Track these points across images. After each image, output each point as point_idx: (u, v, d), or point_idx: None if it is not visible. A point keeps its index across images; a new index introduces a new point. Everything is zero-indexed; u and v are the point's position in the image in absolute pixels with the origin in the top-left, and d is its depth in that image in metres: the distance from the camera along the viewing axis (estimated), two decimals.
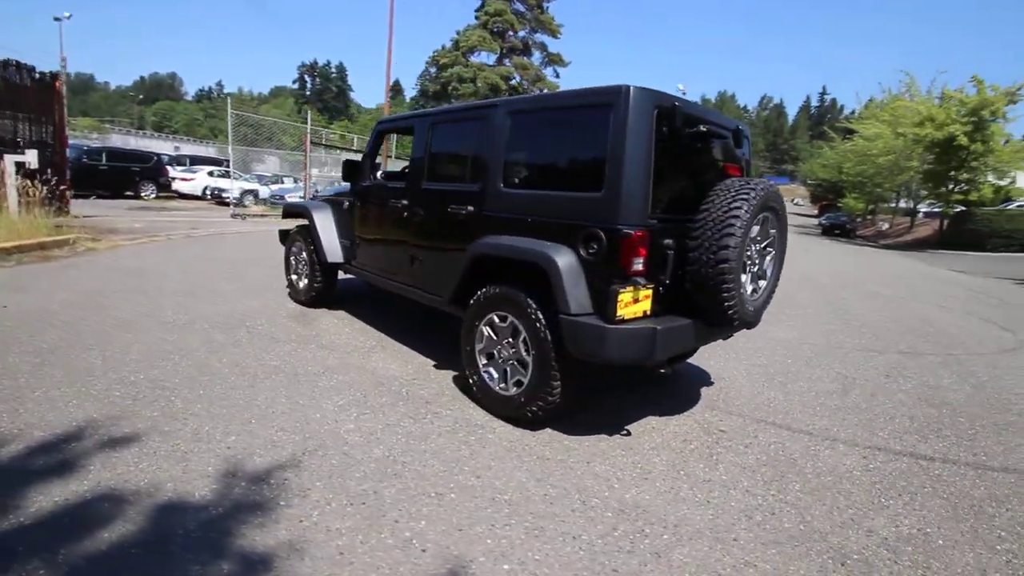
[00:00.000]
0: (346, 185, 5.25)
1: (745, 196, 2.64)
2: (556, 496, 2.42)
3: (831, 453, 3.05)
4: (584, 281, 2.68)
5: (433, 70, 22.95)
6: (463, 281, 3.28)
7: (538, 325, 2.83)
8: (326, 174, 17.45)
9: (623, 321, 2.58)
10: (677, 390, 3.84)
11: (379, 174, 4.59)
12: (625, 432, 3.10)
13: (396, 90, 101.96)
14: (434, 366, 3.92)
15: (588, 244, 2.70)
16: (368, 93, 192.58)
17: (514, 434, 2.97)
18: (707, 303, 2.75)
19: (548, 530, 2.18)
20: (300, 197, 16.48)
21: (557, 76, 21.41)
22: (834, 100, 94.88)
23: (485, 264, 3.17)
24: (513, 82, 20.65)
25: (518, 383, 3.02)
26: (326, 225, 4.94)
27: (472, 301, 3.24)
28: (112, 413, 2.82)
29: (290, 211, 5.64)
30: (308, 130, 15.35)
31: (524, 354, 2.96)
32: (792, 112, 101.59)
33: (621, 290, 2.55)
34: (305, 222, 5.24)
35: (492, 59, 20.92)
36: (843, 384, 4.23)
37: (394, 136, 9.47)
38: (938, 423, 3.57)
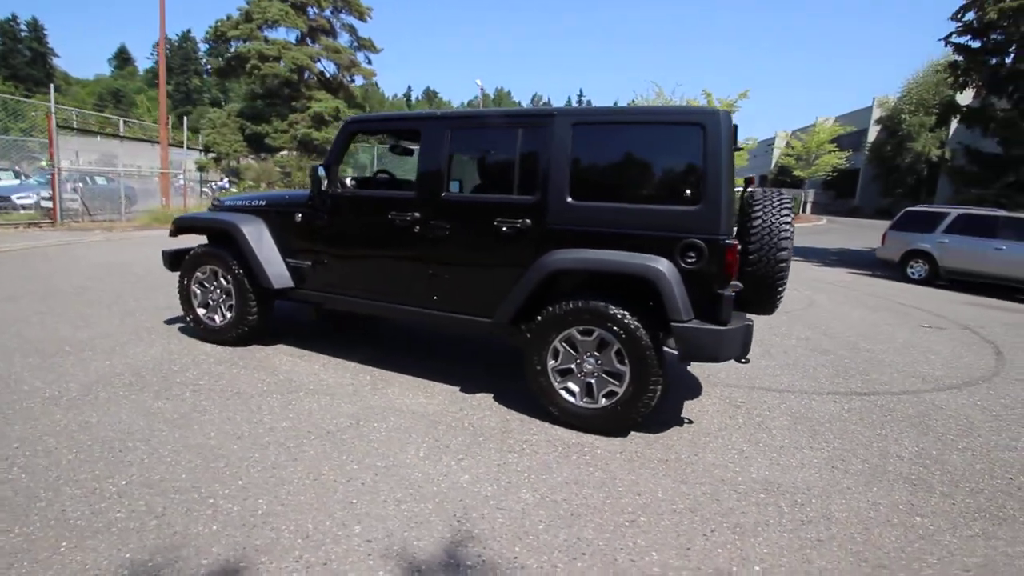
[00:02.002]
0: (272, 194, 4.34)
1: (787, 203, 3.15)
2: (711, 492, 2.58)
3: (821, 403, 3.87)
4: (684, 289, 2.86)
5: (205, 45, 19.08)
6: (529, 298, 3.11)
7: (639, 335, 2.90)
8: (83, 167, 13.32)
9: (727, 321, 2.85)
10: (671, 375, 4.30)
11: (348, 181, 3.89)
12: (688, 421, 3.41)
13: (124, 59, 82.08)
14: (460, 390, 3.60)
15: (686, 254, 2.87)
16: (81, 61, 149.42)
17: (612, 444, 2.99)
18: (764, 297, 3.20)
19: (747, 525, 2.33)
20: (40, 196, 12.40)
21: (369, 63, 20.18)
22: (590, 102, 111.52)
23: (557, 279, 3.07)
24: (321, 66, 18.65)
25: (609, 395, 3.04)
26: (264, 243, 3.99)
27: (541, 319, 3.11)
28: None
29: (192, 226, 4.36)
30: (52, 109, 11.47)
31: (617, 365, 2.99)
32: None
33: (728, 295, 2.81)
34: (210, 241, 4.16)
35: (293, 37, 18.53)
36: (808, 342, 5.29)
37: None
38: (848, 368, 4.80)
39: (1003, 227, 10.81)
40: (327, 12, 17.53)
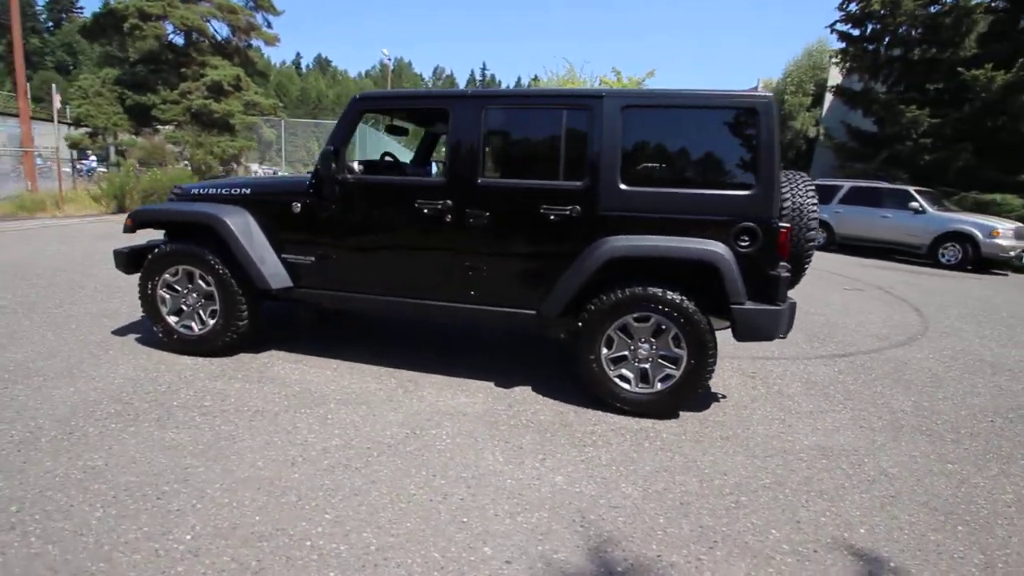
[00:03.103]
0: (257, 180, 3.80)
1: (811, 186, 3.32)
2: (783, 463, 2.71)
3: (815, 366, 4.21)
4: (740, 272, 2.93)
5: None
6: (582, 288, 3.02)
7: (698, 319, 2.94)
8: None
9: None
10: None
11: (356, 165, 3.46)
12: (722, 396, 3.55)
13: None
14: (496, 385, 3.45)
15: (739, 238, 2.93)
16: None
17: (671, 427, 3.04)
18: (793, 274, 3.37)
19: (830, 491, 2.47)
20: None
21: (270, 26, 18.10)
22: (493, 76, 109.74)
23: (612, 267, 3.00)
24: (214, 28, 16.35)
25: (665, 379, 3.07)
26: (254, 238, 3.48)
27: (594, 308, 3.04)
28: None
29: (157, 219, 3.68)
30: None
31: (675, 349, 3.02)
32: (461, 82, 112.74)
33: (785, 276, 2.92)
34: (173, 237, 3.60)
35: None
36: None
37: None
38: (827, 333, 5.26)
39: (887, 198, 12.41)
40: None
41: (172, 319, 3.66)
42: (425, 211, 3.21)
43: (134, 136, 16.46)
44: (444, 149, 3.22)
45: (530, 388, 3.45)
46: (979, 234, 11.00)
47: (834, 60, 17.76)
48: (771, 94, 2.90)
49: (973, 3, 13.86)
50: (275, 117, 17.53)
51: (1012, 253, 11.02)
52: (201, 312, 3.63)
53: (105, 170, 17.93)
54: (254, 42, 17.57)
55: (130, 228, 3.69)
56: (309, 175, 3.61)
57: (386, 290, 3.41)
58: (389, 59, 32.55)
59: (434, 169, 4.62)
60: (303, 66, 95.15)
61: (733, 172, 2.95)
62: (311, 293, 3.56)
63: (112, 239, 8.83)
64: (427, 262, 3.33)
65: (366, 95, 3.35)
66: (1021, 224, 11.52)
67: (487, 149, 3.16)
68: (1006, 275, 11.03)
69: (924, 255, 11.48)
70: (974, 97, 13.83)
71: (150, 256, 3.61)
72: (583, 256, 3.03)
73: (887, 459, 2.85)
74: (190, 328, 3.65)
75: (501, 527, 2.09)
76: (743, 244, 2.94)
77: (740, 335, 2.97)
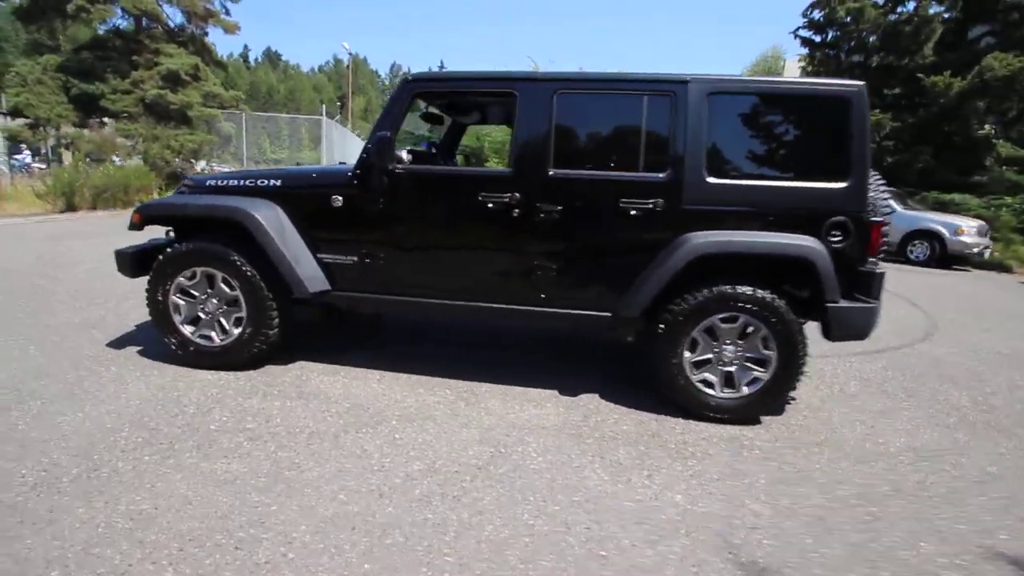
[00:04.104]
0: (287, 170, 3.40)
1: (882, 181, 3.23)
2: (889, 468, 2.57)
3: (860, 363, 4.16)
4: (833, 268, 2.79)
5: None
6: (667, 287, 2.80)
7: (789, 319, 2.78)
8: None
9: None
10: None
11: (405, 155, 3.10)
12: (792, 398, 3.42)
13: None
14: (561, 393, 3.18)
15: (831, 232, 2.79)
16: None
17: (761, 434, 2.86)
18: None
19: (952, 497, 2.35)
20: None
21: (228, 13, 16.97)
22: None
23: (696, 265, 2.80)
24: (169, 11, 15.14)
25: (752, 382, 2.89)
26: (288, 236, 3.07)
27: (675, 308, 2.83)
28: None
29: (171, 214, 3.21)
30: None
31: (763, 351, 2.85)
32: None
33: (880, 272, 2.80)
34: (181, 234, 3.19)
35: None
36: None
37: None
38: None
39: None
40: None
41: (188, 329, 3.20)
42: (489, 205, 2.91)
43: (80, 128, 15.11)
44: (510, 137, 2.93)
45: (598, 396, 3.21)
46: (946, 232, 11.56)
47: (800, 64, 18.39)
48: (863, 83, 2.77)
49: (931, 12, 14.61)
50: (237, 110, 16.51)
51: (975, 250, 11.65)
52: (223, 320, 3.19)
53: (44, 166, 16.41)
54: (212, 30, 16.51)
55: (138, 225, 3.20)
56: (344, 165, 3.25)
57: (441, 292, 3.08)
58: (350, 53, 31.48)
59: (457, 162, 4.32)
60: (251, 59, 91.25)
61: (824, 164, 2.80)
62: (351, 297, 3.18)
63: (67, 239, 8.00)
64: (490, 261, 3.03)
65: (420, 76, 3.00)
66: (982, 222, 12.21)
67: (558, 137, 2.89)
68: (968, 270, 11.64)
69: (894, 252, 11.99)
70: (931, 103, 14.59)
71: (161, 257, 3.14)
72: (666, 253, 2.82)
73: (981, 457, 2.78)
74: (209, 339, 3.20)
75: (646, 560, 1.84)
76: (835, 239, 2.80)
77: (835, 335, 2.83)
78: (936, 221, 11.76)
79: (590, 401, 3.13)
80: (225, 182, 3.30)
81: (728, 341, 2.90)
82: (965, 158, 14.88)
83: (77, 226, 9.56)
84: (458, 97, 3.34)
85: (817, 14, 17.30)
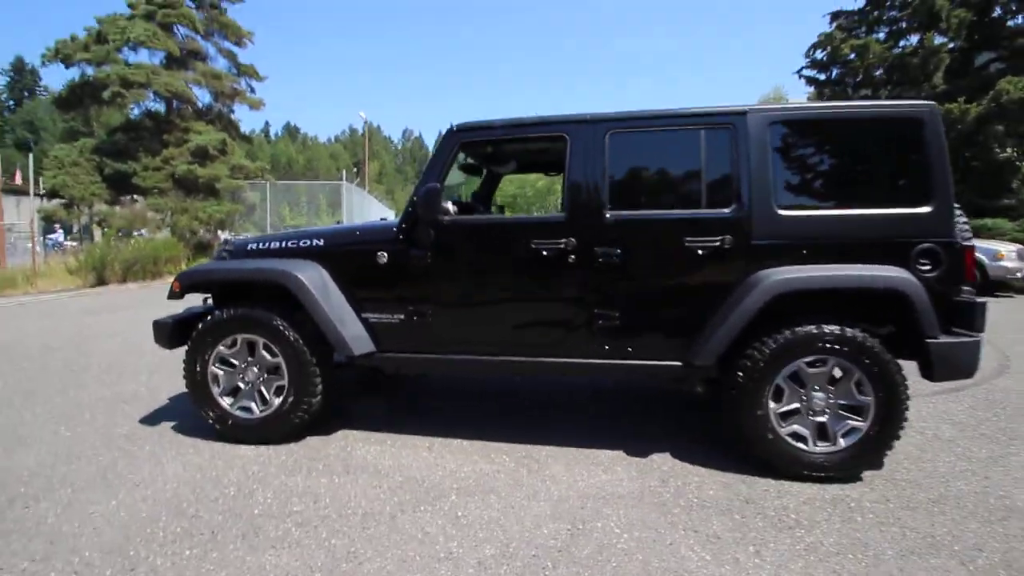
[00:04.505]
0: (330, 229, 3.31)
1: (957, 205, 3.01)
2: None
3: (941, 403, 3.78)
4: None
5: (48, 65, 15.11)
6: (745, 329, 2.56)
7: (886, 359, 2.51)
8: None
9: None
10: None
11: (450, 206, 2.99)
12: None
13: None
14: (627, 454, 2.88)
15: (919, 261, 2.56)
16: None
17: (866, 493, 2.51)
18: None
19: None
20: None
21: (252, 91, 17.92)
22: None
23: (774, 304, 2.56)
24: (198, 91, 16.04)
25: (849, 433, 2.58)
26: (332, 297, 2.93)
27: (755, 353, 2.57)
28: None
29: (211, 280, 3.12)
30: None
31: (859, 396, 2.55)
32: (430, 143, 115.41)
33: (982, 301, 2.54)
34: (220, 301, 3.09)
35: (158, 60, 15.75)
36: None
37: None
38: None
39: None
40: (199, 36, 15.29)
41: (226, 401, 3.01)
42: (544, 252, 2.75)
43: (111, 206, 15.70)
44: (562, 182, 2.80)
45: (669, 455, 2.90)
46: (985, 258, 11.13)
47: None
48: (933, 103, 2.62)
49: (937, 43, 14.81)
50: (261, 180, 17.08)
51: (1018, 275, 11.18)
52: (264, 390, 3.00)
53: (76, 244, 16.97)
54: (237, 107, 17.38)
55: (179, 294, 3.09)
56: (387, 221, 3.15)
57: (494, 348, 2.87)
58: (366, 121, 33.01)
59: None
60: (272, 133, 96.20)
61: (904, 189, 2.61)
62: (397, 358, 2.98)
63: (99, 313, 8.04)
64: (546, 312, 2.83)
65: (464, 126, 2.93)
66: (1021, 246, 11.78)
67: (613, 178, 2.75)
68: (1011, 296, 11.11)
69: None
70: (948, 129, 14.49)
71: (201, 325, 3.00)
72: (740, 293, 2.59)
73: None
74: (249, 410, 3.00)
75: None
76: (924, 268, 2.56)
77: (938, 374, 2.53)
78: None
79: (663, 462, 2.82)
80: (267, 244, 3.20)
81: (817, 387, 2.61)
82: (989, 181, 14.63)
83: (108, 300, 9.67)
84: (505, 145, 3.27)
85: (820, 53, 17.70)
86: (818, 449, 2.61)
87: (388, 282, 2.97)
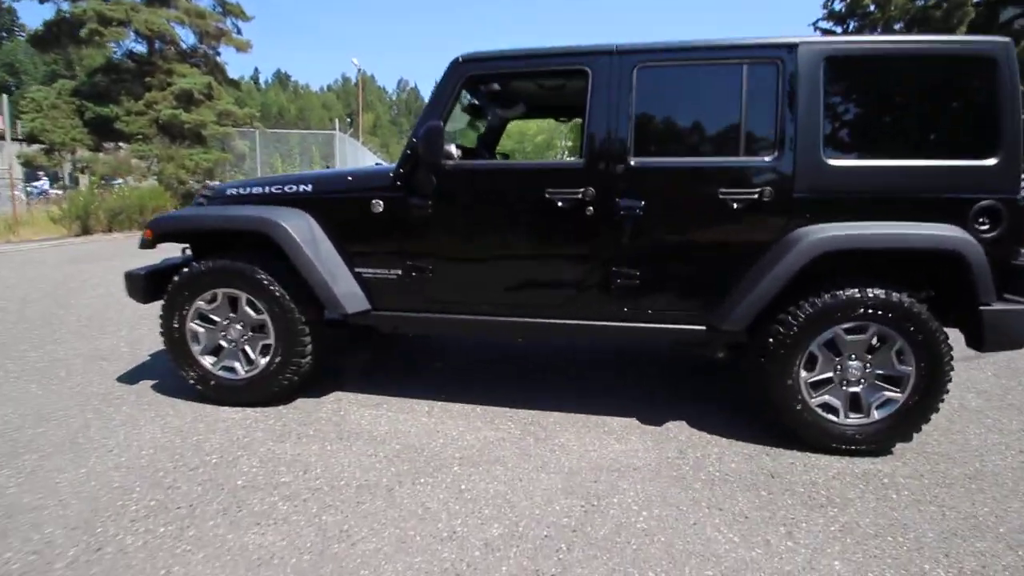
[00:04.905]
0: (320, 174, 3.01)
1: None
2: None
3: (975, 370, 3.60)
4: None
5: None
6: (781, 292, 2.32)
7: (932, 326, 2.28)
8: None
9: None
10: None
11: (454, 149, 2.67)
12: None
13: None
14: (640, 422, 2.69)
15: (978, 220, 2.29)
16: None
17: (898, 468, 2.33)
18: None
19: None
20: None
21: (239, 32, 16.90)
22: None
23: (817, 264, 2.31)
24: (181, 32, 15.07)
25: (884, 404, 2.39)
26: (322, 249, 2.65)
27: (790, 318, 2.34)
28: None
29: (185, 227, 2.83)
30: None
31: (899, 367, 2.34)
32: (426, 95, 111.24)
33: None
34: (199, 252, 2.80)
35: None
36: None
37: None
38: None
39: None
40: None
41: (208, 360, 2.78)
42: (558, 203, 2.46)
43: (95, 152, 15.03)
44: (582, 123, 2.47)
45: (686, 424, 2.71)
46: None
47: None
48: (1008, 39, 2.29)
49: None
50: (251, 128, 16.34)
51: None
52: (248, 349, 2.77)
53: (60, 192, 16.36)
54: (224, 49, 16.42)
55: (150, 243, 2.79)
56: (382, 166, 2.84)
57: (502, 308, 2.62)
58: (359, 69, 31.48)
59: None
60: (262, 81, 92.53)
61: (968, 138, 2.30)
62: (395, 316, 2.74)
63: (82, 263, 7.71)
64: (560, 270, 2.56)
65: (472, 56, 2.56)
66: None
67: (640, 120, 2.43)
68: None
69: None
70: None
71: (177, 279, 2.73)
72: (777, 251, 2.33)
73: None
74: (233, 371, 2.77)
75: None
76: (983, 227, 2.30)
77: (989, 344, 2.31)
78: None
79: (679, 431, 2.64)
80: (248, 190, 2.88)
81: (854, 356, 2.40)
82: None
83: (92, 249, 9.30)
84: (517, 80, 2.90)
85: (839, 4, 16.82)
86: (850, 421, 2.41)
87: (384, 234, 2.68)
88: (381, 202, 2.64)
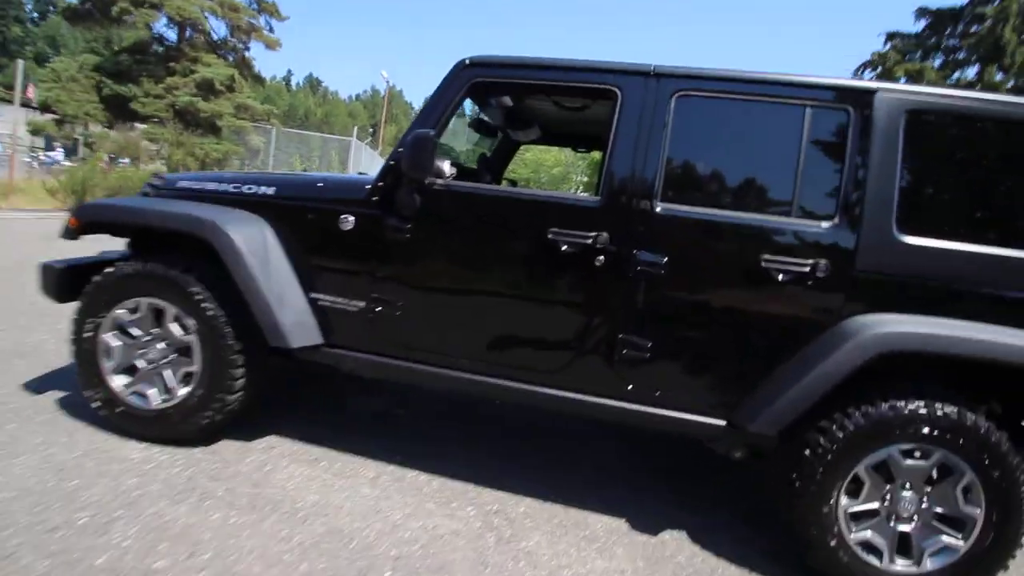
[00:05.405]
0: (285, 177, 2.60)
1: None
2: None
3: None
4: None
5: None
6: (830, 393, 1.84)
7: (1011, 462, 1.78)
8: None
9: None
10: None
11: (447, 167, 2.24)
12: None
13: None
14: (630, 525, 2.17)
15: None
16: None
17: None
18: None
19: None
20: None
21: (271, 31, 16.94)
22: None
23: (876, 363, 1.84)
24: (214, 23, 15.09)
25: (941, 552, 1.86)
26: (272, 264, 2.19)
27: (834, 426, 1.85)
28: None
29: (114, 220, 2.39)
30: None
31: (963, 506, 1.83)
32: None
33: None
34: (137, 250, 2.36)
35: None
36: None
37: None
38: None
39: None
40: None
41: (119, 381, 2.28)
42: (563, 247, 2.00)
43: (107, 129, 14.86)
44: (603, 153, 2.04)
45: (687, 536, 2.18)
46: None
47: None
48: None
49: (997, 79, 13.92)
50: (268, 124, 16.19)
51: None
52: (168, 374, 2.28)
53: (73, 165, 16.20)
54: (253, 45, 16.42)
55: (73, 232, 2.35)
56: (364, 176, 2.42)
57: (479, 364, 2.13)
58: (388, 82, 31.78)
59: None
60: (294, 83, 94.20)
61: None
62: (350, 358, 2.26)
63: (62, 240, 7.31)
64: (556, 327, 2.08)
65: (480, 59, 2.14)
66: None
67: (674, 157, 2.00)
68: None
69: None
70: None
71: (97, 279, 2.27)
72: (829, 341, 1.85)
73: None
74: (145, 398, 2.27)
75: None
76: None
77: None
78: None
79: (678, 548, 2.11)
80: (202, 185, 2.45)
81: (908, 485, 1.89)
82: None
83: None
84: (532, 95, 2.49)
85: (869, 73, 16.73)
86: (896, 569, 1.89)
87: (351, 256, 2.22)
88: (352, 218, 2.19)
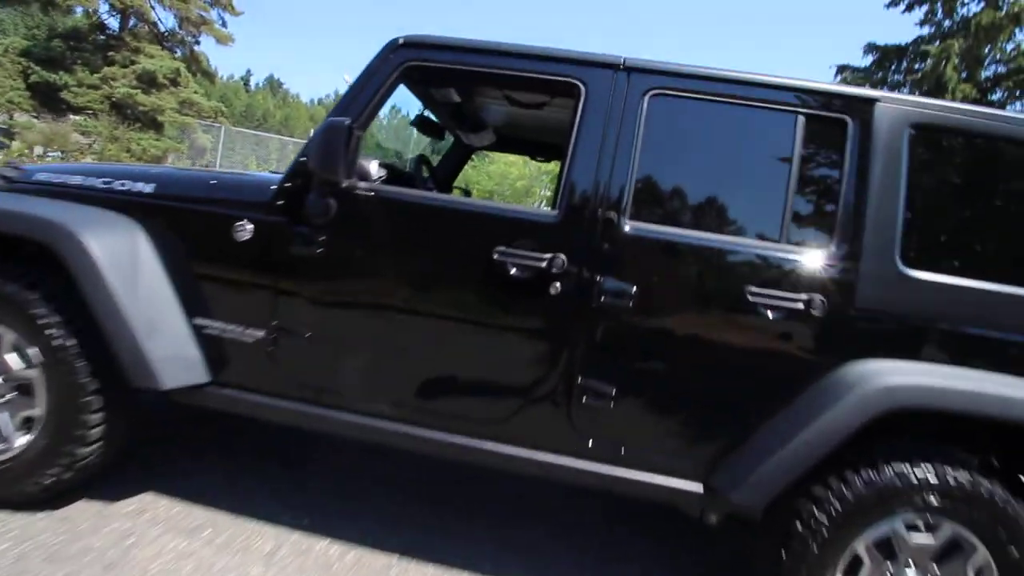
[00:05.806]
0: (171, 171, 2.15)
1: None
2: None
3: None
4: None
5: None
6: (827, 456, 1.53)
7: None
8: None
9: None
10: None
11: (374, 167, 1.83)
12: None
13: None
14: None
15: None
16: None
17: None
18: None
19: None
20: None
21: (224, 25, 16.02)
22: None
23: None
24: (161, 13, 14.07)
25: None
26: (142, 280, 1.73)
27: (828, 496, 1.54)
28: None
29: None
30: None
31: None
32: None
33: None
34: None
35: None
36: None
37: None
38: None
39: None
40: None
41: None
42: (511, 270, 1.64)
43: (33, 119, 13.65)
44: (560, 163, 1.71)
45: None
46: None
47: None
48: None
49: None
50: (216, 123, 15.27)
51: None
52: (4, 417, 1.76)
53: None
54: (204, 39, 15.52)
55: None
56: (271, 174, 1.99)
57: (409, 413, 1.73)
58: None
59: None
60: (253, 84, 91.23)
61: None
62: (242, 400, 1.80)
63: None
64: (502, 369, 1.71)
65: (415, 39, 1.76)
66: None
67: (646, 168, 1.68)
68: None
69: None
70: None
71: None
72: (825, 391, 1.55)
73: None
74: None
75: None
76: None
77: None
78: None
79: None
80: (65, 179, 1.95)
81: (914, 563, 1.60)
82: None
83: None
84: (480, 86, 2.13)
85: None
86: None
87: (248, 273, 1.78)
88: (251, 225, 1.75)
